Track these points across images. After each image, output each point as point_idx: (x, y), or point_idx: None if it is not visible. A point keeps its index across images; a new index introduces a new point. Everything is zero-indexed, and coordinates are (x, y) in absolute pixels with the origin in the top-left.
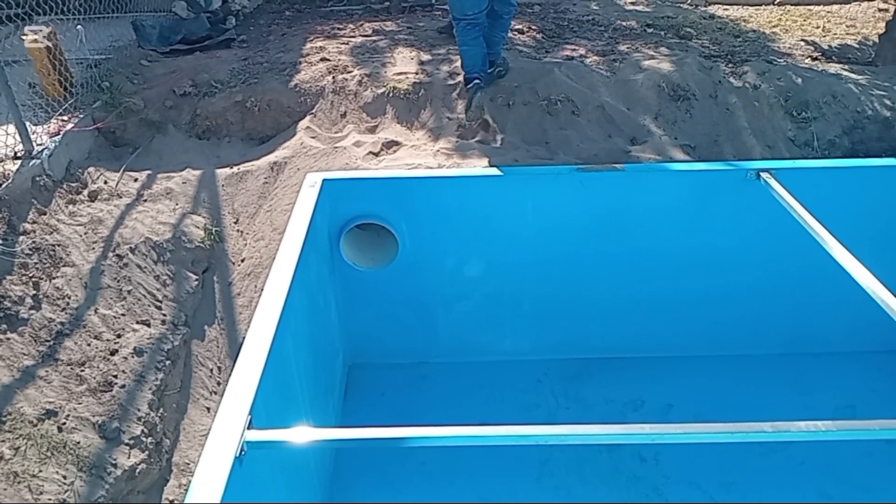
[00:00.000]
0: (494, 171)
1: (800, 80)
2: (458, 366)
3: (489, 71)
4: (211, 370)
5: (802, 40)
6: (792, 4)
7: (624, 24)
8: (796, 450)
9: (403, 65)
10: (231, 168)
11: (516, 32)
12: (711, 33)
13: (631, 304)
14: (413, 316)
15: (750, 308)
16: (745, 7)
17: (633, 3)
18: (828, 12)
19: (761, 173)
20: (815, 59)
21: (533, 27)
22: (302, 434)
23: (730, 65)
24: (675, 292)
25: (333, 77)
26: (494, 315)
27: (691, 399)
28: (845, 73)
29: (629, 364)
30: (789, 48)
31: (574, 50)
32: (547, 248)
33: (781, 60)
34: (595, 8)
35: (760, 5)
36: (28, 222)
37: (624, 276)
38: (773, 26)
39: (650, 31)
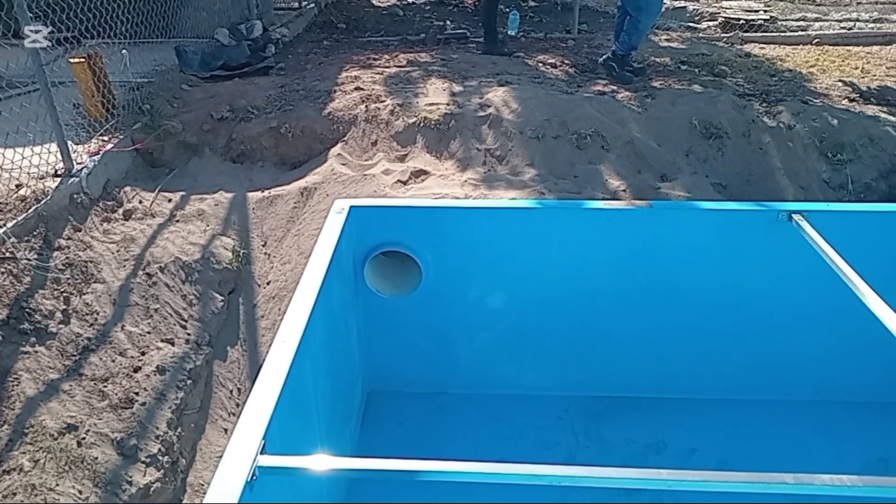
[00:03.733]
0: (521, 204)
1: (836, 122)
2: (477, 398)
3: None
4: (231, 391)
5: (840, 81)
6: (830, 44)
7: (658, 60)
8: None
9: (435, 95)
10: (262, 192)
11: (549, 66)
12: (747, 72)
13: (656, 344)
14: (434, 345)
15: (778, 352)
16: (782, 46)
17: (667, 40)
18: (867, 53)
19: (793, 215)
20: (853, 100)
21: (566, 61)
22: (315, 462)
23: (764, 104)
24: (702, 333)
25: (366, 106)
26: (516, 348)
27: (716, 444)
28: (884, 115)
29: (653, 405)
30: (826, 88)
31: (606, 85)
32: (571, 282)
33: (817, 101)
34: None
35: (798, 45)
36: (63, 238)
37: (649, 315)
38: (811, 66)
39: (684, 67)
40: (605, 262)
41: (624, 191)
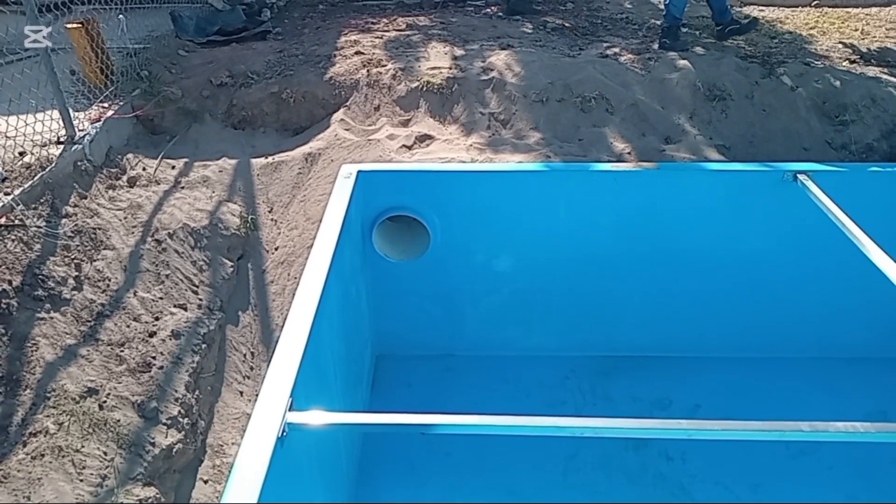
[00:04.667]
0: (527, 167)
1: (837, 83)
2: (484, 359)
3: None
4: (244, 355)
5: (840, 42)
6: (829, 6)
7: (658, 22)
8: (826, 453)
9: (437, 60)
10: (266, 158)
11: (549, 30)
12: (747, 34)
13: (661, 304)
14: (441, 309)
15: (783, 311)
16: (780, 8)
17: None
18: (867, 14)
19: (798, 175)
20: (854, 61)
21: (566, 24)
22: (340, 417)
23: (766, 66)
24: (707, 293)
25: (368, 70)
26: (523, 311)
27: (719, 400)
28: (885, 76)
29: (658, 363)
30: (826, 50)
31: (608, 48)
32: (578, 244)
33: (819, 63)
34: (629, 6)
35: (797, 7)
36: (70, 206)
37: (655, 275)
38: (810, 28)
39: (685, 30)
40: (611, 224)
41: (629, 153)
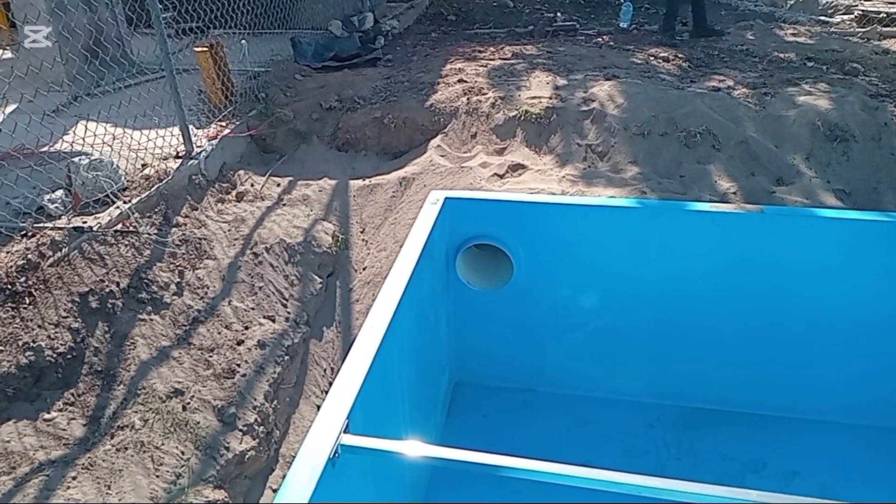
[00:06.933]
0: (620, 202)
1: None
2: (564, 398)
3: None
4: (325, 370)
5: None
6: None
7: (781, 55)
8: None
9: (538, 89)
10: (363, 180)
11: (661, 60)
12: (883, 70)
13: (759, 357)
14: (522, 341)
15: None
16: None
17: (794, 35)
18: None
19: None
20: None
21: (680, 55)
22: (393, 445)
23: None
24: (813, 349)
25: (468, 98)
26: (607, 350)
27: (820, 468)
28: None
29: (752, 421)
30: None
31: (721, 81)
32: (670, 286)
33: None
34: (751, 38)
35: None
36: (181, 216)
37: (754, 326)
38: None
39: (810, 64)
40: (708, 268)
41: (734, 193)
